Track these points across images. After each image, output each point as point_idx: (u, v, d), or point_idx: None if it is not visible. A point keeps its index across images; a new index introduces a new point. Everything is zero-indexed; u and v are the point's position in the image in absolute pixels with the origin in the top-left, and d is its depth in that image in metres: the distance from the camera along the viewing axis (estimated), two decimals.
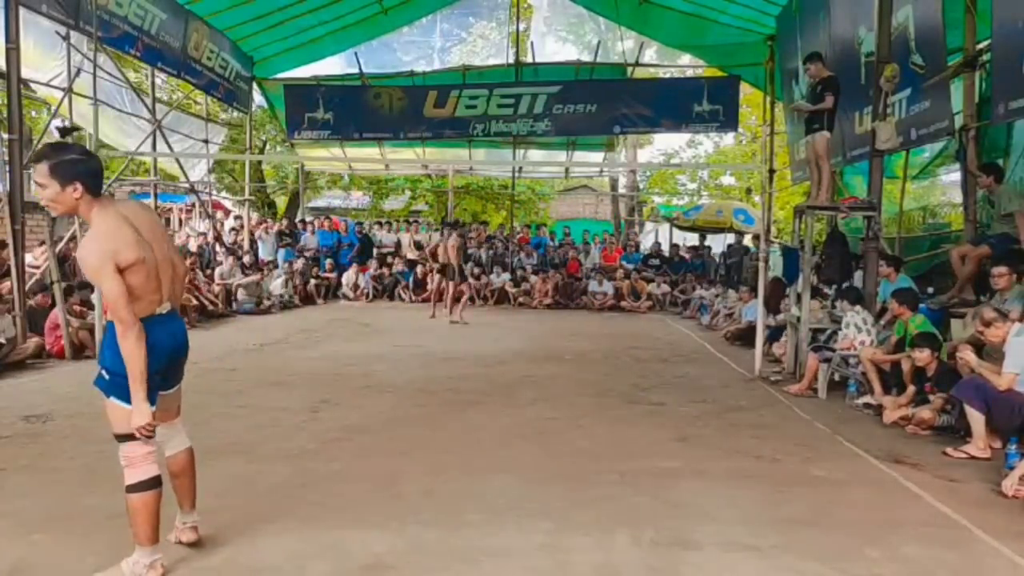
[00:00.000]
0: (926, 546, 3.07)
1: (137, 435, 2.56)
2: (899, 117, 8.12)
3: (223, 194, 21.45)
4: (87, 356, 7.25)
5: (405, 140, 16.01)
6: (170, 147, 12.39)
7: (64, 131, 7.78)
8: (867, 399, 5.67)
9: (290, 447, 4.35)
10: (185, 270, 3.06)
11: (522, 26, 16.22)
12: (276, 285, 12.65)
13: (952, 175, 10.33)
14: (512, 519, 3.28)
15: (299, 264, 13.99)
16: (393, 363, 7.38)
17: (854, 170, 11.13)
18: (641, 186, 24.34)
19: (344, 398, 5.73)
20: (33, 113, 13.35)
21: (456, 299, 11.34)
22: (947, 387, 4.74)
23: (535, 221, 22.33)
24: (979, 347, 4.84)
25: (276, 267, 13.42)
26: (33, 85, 10.05)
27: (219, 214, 18.69)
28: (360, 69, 15.55)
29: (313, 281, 14.06)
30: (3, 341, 6.68)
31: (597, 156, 18.62)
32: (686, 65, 18.05)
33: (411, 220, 19.98)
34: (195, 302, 10.21)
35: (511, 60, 15.43)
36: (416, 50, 16.84)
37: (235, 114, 16.86)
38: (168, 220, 20.45)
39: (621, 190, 23.49)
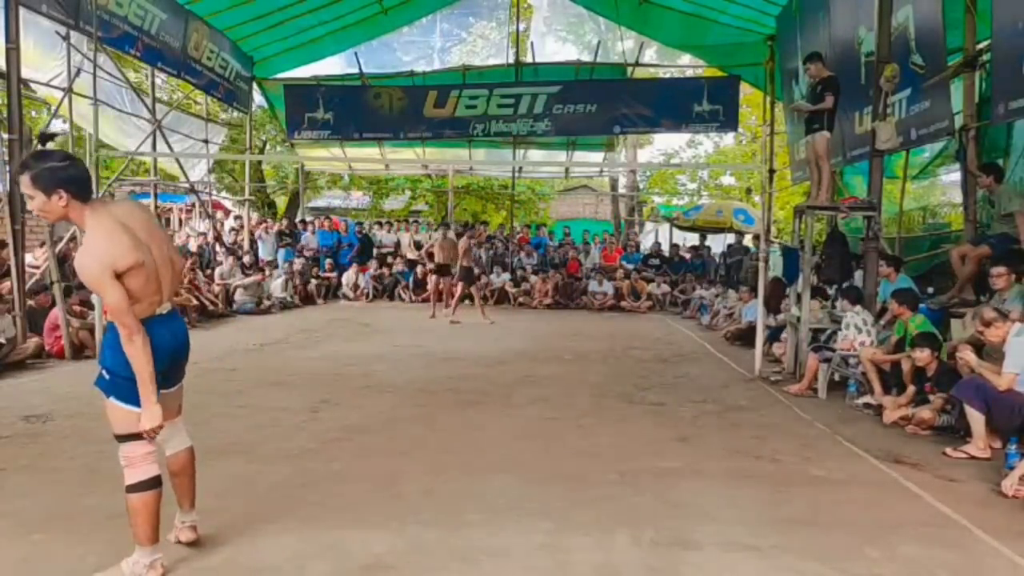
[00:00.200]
0: (926, 546, 3.07)
1: (145, 436, 2.56)
2: (899, 117, 8.12)
3: (223, 194, 21.45)
4: (87, 356, 7.25)
5: (405, 140, 16.01)
6: (170, 147, 12.39)
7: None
8: (867, 399, 5.67)
9: (290, 447, 4.35)
10: (183, 266, 3.05)
11: (522, 26, 16.22)
12: (276, 286, 12.65)
13: (952, 175, 10.33)
14: (512, 519, 3.28)
15: (298, 264, 13.99)
16: (393, 363, 7.38)
17: (854, 170, 11.13)
18: (641, 186, 24.34)
19: (344, 398, 5.73)
20: (33, 113, 13.35)
21: (461, 299, 11.39)
22: (947, 387, 4.74)
23: (535, 221, 22.33)
24: (979, 347, 4.84)
25: (276, 267, 13.41)
26: (33, 85, 10.03)
27: (219, 214, 18.70)
28: (360, 69, 15.55)
29: (313, 281, 14.07)
30: (3, 341, 6.68)
31: (597, 156, 18.62)
32: (686, 65, 18.04)
33: (411, 220, 19.97)
34: (195, 302, 10.21)
35: (511, 60, 15.43)
36: (416, 50, 16.84)
37: (235, 114, 16.86)
38: (168, 220, 20.48)
39: (621, 190, 23.49)
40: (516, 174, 18.58)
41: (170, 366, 2.71)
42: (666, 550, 2.99)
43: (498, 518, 3.29)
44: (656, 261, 15.42)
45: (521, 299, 13.96)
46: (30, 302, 7.51)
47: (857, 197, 8.77)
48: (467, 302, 13.89)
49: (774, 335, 8.15)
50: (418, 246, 15.73)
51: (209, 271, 12.30)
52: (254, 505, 3.38)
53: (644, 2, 13.27)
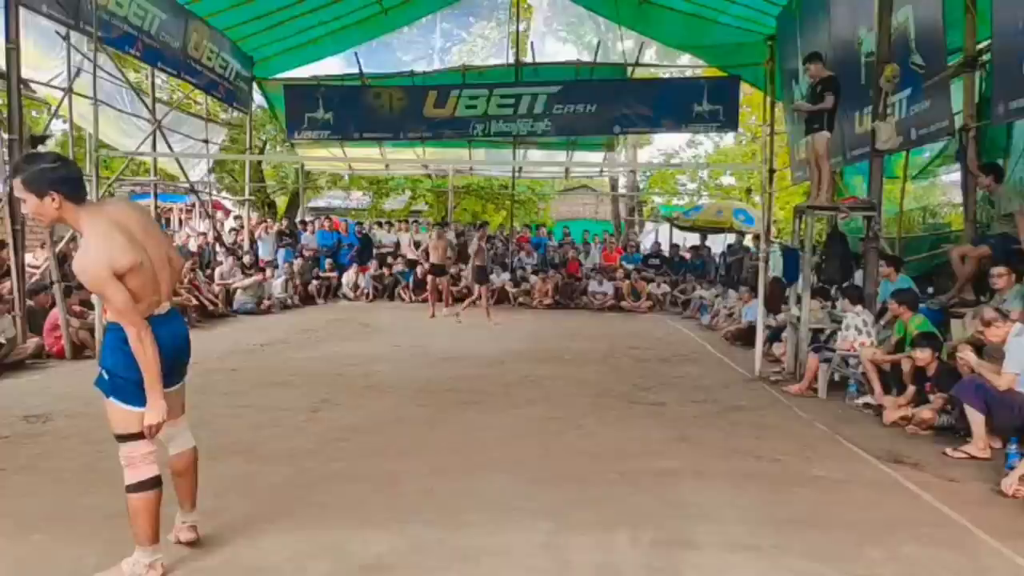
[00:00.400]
0: (926, 546, 3.07)
1: (146, 433, 2.56)
2: (899, 117, 8.11)
3: (223, 194, 21.45)
4: (87, 356, 7.25)
5: (405, 140, 16.00)
6: (170, 147, 12.39)
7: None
8: (867, 399, 5.68)
9: (290, 447, 4.35)
10: (181, 264, 3.04)
11: (522, 26, 16.20)
12: (276, 286, 12.65)
13: (952, 175, 10.33)
14: (512, 519, 3.28)
15: (297, 264, 13.98)
16: (393, 363, 7.38)
17: (854, 170, 11.13)
18: (641, 186, 24.33)
19: (344, 398, 5.73)
20: (34, 113, 13.34)
21: (465, 300, 11.41)
22: (947, 387, 4.74)
23: (535, 221, 22.33)
24: (979, 347, 4.84)
25: (276, 267, 13.41)
26: (33, 85, 10.04)
27: (219, 214, 18.71)
28: (360, 69, 15.54)
29: (313, 281, 14.07)
30: (3, 341, 6.68)
31: (597, 156, 18.62)
32: (686, 65, 18.03)
33: (411, 220, 19.97)
34: (195, 302, 10.21)
35: (511, 60, 15.41)
36: (416, 50, 16.84)
37: (235, 114, 16.84)
38: (168, 220, 20.48)
39: (621, 190, 23.48)
40: (516, 174, 18.57)
41: (171, 366, 2.70)
42: (666, 550, 2.99)
43: (498, 518, 3.29)
44: (656, 261, 15.42)
45: (521, 299, 13.96)
46: (30, 302, 7.51)
47: (857, 197, 8.77)
48: (467, 302, 13.94)
49: (774, 335, 8.15)
50: (418, 246, 15.74)
51: (209, 271, 12.30)
52: (254, 505, 3.38)
53: (644, 2, 13.27)
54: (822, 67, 7.01)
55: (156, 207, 13.33)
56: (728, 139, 23.93)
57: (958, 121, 7.57)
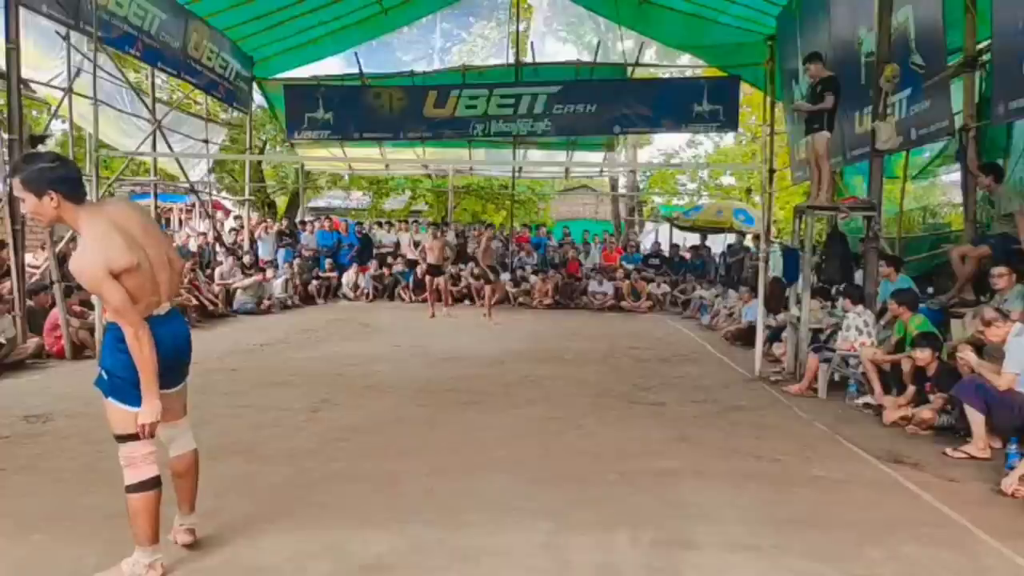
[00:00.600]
0: (926, 546, 3.07)
1: (140, 434, 2.55)
2: (899, 117, 8.11)
3: (223, 194, 21.45)
4: (87, 356, 7.25)
5: (405, 140, 16.00)
6: (170, 147, 12.39)
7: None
8: (867, 399, 5.68)
9: (290, 447, 4.35)
10: (182, 265, 3.04)
11: (522, 26, 16.21)
12: (276, 286, 12.65)
13: (952, 175, 10.33)
14: (512, 519, 3.28)
15: (295, 264, 13.98)
16: (393, 363, 7.38)
17: (854, 170, 11.13)
18: (641, 186, 24.34)
19: (344, 398, 5.73)
20: (35, 113, 13.34)
21: (489, 299, 11.44)
22: (947, 387, 4.74)
23: (535, 221, 22.32)
24: (979, 347, 4.84)
25: (276, 267, 13.41)
26: (33, 85, 10.04)
27: (219, 214, 18.71)
28: (360, 69, 15.54)
29: (313, 281, 14.07)
30: (3, 341, 6.68)
31: (597, 156, 18.62)
32: (686, 65, 18.04)
33: (411, 220, 19.97)
34: (195, 302, 10.21)
35: (511, 60, 15.41)
36: (416, 50, 16.84)
37: (235, 114, 16.85)
38: (168, 220, 20.48)
39: (621, 190, 23.48)
40: (516, 174, 18.57)
41: (170, 366, 2.69)
42: (666, 550, 2.99)
43: (498, 518, 3.29)
44: (656, 261, 15.41)
45: (521, 299, 13.96)
46: (30, 302, 7.51)
47: (857, 197, 8.76)
48: (466, 302, 13.95)
49: (774, 335, 8.15)
50: (417, 246, 15.74)
51: (209, 271, 12.30)
52: (254, 505, 3.38)
53: (644, 2, 13.27)
54: (822, 67, 7.01)
55: (156, 207, 13.34)
56: (728, 139, 23.95)
57: (958, 121, 7.57)
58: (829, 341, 6.81)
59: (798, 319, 6.81)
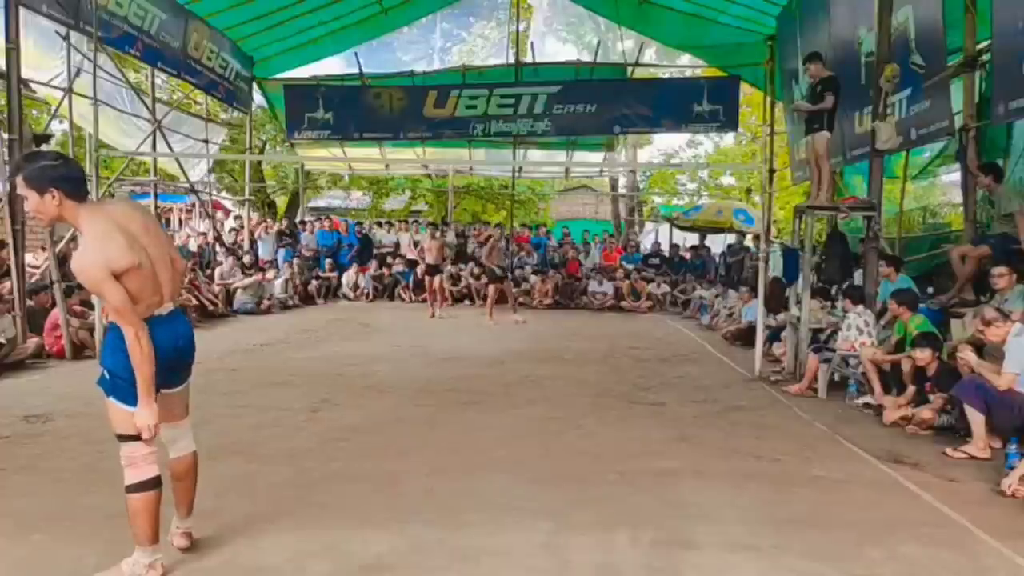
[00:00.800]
0: (926, 546, 3.07)
1: (141, 435, 2.55)
2: (899, 117, 8.11)
3: (223, 194, 21.45)
4: (87, 356, 7.25)
5: (405, 140, 15.99)
6: (170, 147, 12.39)
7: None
8: (867, 399, 5.68)
9: (290, 447, 4.35)
10: (184, 266, 3.04)
11: (522, 26, 16.20)
12: (276, 286, 12.65)
13: (952, 175, 10.33)
14: (512, 519, 3.28)
15: (295, 264, 13.97)
16: (393, 363, 7.38)
17: (854, 170, 11.13)
18: (641, 186, 24.33)
19: (344, 398, 5.73)
20: (35, 112, 13.34)
21: (493, 299, 11.44)
22: (947, 387, 4.74)
23: (535, 221, 22.33)
24: (979, 347, 4.84)
25: (276, 267, 13.41)
26: (33, 85, 10.04)
27: (219, 214, 18.71)
28: (360, 69, 15.54)
29: (313, 281, 14.07)
30: (3, 341, 6.68)
31: (597, 156, 18.62)
32: (686, 65, 18.04)
33: (411, 220, 19.97)
34: (195, 302, 10.21)
35: (511, 60, 15.40)
36: (416, 50, 16.83)
37: (235, 114, 16.85)
38: (168, 220, 20.49)
39: (621, 190, 23.47)
40: (516, 174, 18.57)
41: (172, 366, 2.69)
42: (666, 550, 2.99)
43: (498, 518, 3.29)
44: (656, 261, 15.41)
45: (521, 299, 13.94)
46: (30, 302, 7.51)
47: (857, 197, 8.76)
48: (466, 302, 13.96)
49: (774, 335, 8.15)
50: (417, 246, 15.73)
51: (209, 271, 12.30)
52: (254, 505, 3.38)
53: (644, 2, 13.27)
54: (822, 67, 7.01)
55: (156, 207, 13.34)
56: (728, 139, 23.95)
57: (958, 121, 7.57)
58: (829, 341, 6.81)
59: (798, 319, 6.81)
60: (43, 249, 8.59)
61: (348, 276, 14.40)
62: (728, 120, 14.65)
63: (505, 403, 5.68)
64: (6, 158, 7.46)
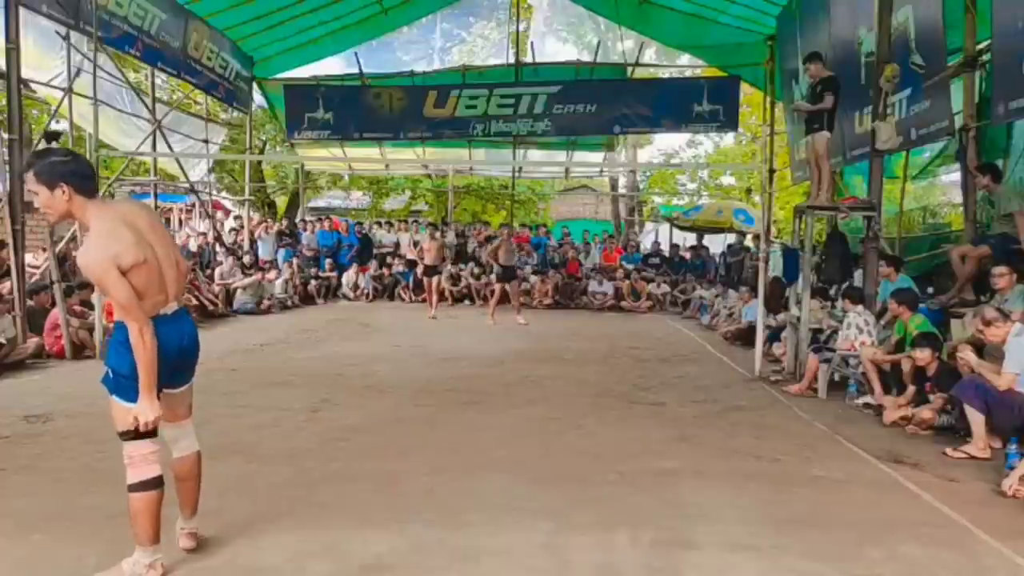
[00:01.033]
0: (926, 546, 3.07)
1: (139, 429, 2.55)
2: (899, 117, 8.12)
3: (223, 194, 21.45)
4: (87, 356, 7.25)
5: (405, 140, 16.00)
6: (170, 147, 12.39)
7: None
8: (867, 399, 5.68)
9: (290, 447, 4.35)
10: (187, 268, 3.05)
11: (522, 26, 16.21)
12: (276, 286, 12.65)
13: (952, 175, 10.33)
14: (512, 519, 3.28)
15: (295, 264, 13.97)
16: (393, 363, 7.38)
17: (854, 170, 11.13)
18: (641, 186, 24.33)
19: (344, 398, 5.73)
20: (35, 112, 13.35)
21: (488, 298, 11.46)
22: (947, 387, 4.74)
23: (535, 221, 22.33)
24: (979, 347, 4.84)
25: (276, 267, 13.40)
26: (33, 85, 10.04)
27: (219, 214, 18.71)
28: (360, 69, 15.54)
29: (313, 281, 14.06)
30: (3, 341, 6.68)
31: (597, 156, 18.62)
32: (686, 65, 18.04)
33: (411, 220, 19.97)
34: (195, 302, 10.21)
35: (511, 60, 15.41)
36: (416, 50, 16.84)
37: (235, 114, 16.85)
38: (168, 220, 20.47)
39: (621, 190, 23.48)
40: (516, 174, 18.57)
41: (177, 366, 2.70)
42: (666, 550, 2.99)
43: (498, 518, 3.29)
44: (656, 261, 15.40)
45: (522, 299, 13.93)
46: (30, 302, 7.51)
47: (857, 197, 8.77)
48: (466, 302, 13.96)
49: (774, 335, 8.15)
50: (417, 245, 15.73)
51: (209, 271, 12.30)
52: (254, 505, 3.38)
53: (644, 2, 13.28)
54: (822, 67, 7.01)
55: (156, 207, 13.33)
56: (728, 139, 23.96)
57: (958, 121, 7.57)
58: (829, 341, 6.81)
59: (798, 319, 6.81)
60: (43, 249, 8.59)
61: (348, 276, 14.40)
62: (728, 120, 14.66)
63: (505, 403, 5.68)
64: (6, 158, 7.45)
